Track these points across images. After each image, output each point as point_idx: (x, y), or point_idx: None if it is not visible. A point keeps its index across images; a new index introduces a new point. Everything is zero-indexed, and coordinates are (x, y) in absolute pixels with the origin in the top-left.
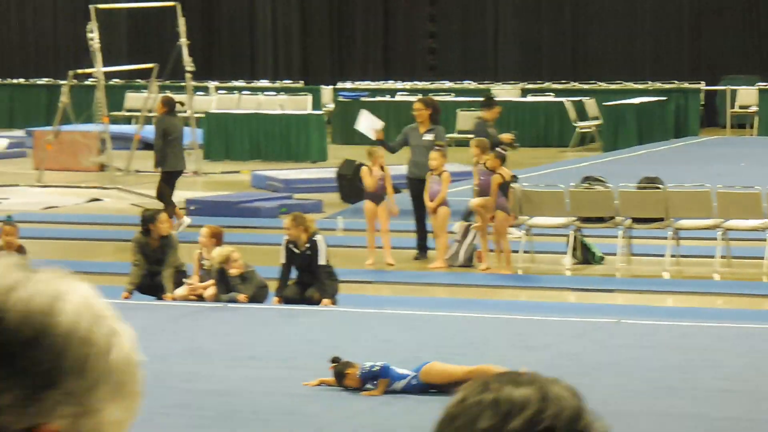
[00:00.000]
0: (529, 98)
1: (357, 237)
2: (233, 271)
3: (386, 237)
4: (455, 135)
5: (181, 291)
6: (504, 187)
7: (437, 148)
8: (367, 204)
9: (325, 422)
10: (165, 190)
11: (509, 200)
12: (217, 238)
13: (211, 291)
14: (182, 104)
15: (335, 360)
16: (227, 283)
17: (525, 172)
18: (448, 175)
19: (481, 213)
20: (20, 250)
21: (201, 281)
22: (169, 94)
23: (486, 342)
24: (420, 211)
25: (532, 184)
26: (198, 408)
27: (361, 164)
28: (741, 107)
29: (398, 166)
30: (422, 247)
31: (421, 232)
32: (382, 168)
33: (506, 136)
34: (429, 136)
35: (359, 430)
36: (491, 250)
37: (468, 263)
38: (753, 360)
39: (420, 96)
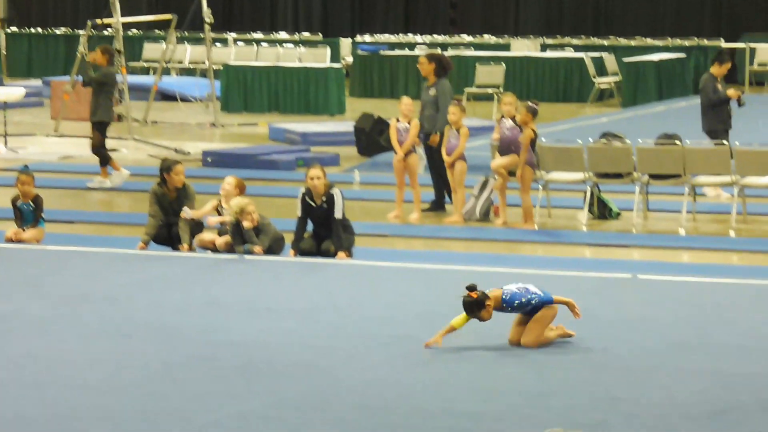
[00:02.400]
0: (549, 53)
1: (373, 191)
2: (247, 224)
3: (414, 191)
4: (474, 90)
5: (201, 242)
6: (532, 143)
7: (456, 102)
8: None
9: (342, 375)
10: (100, 142)
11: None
12: (241, 190)
13: (224, 239)
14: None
15: (471, 288)
16: (242, 235)
17: (544, 127)
18: (467, 130)
19: (502, 173)
20: (36, 199)
21: (218, 233)
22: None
23: None
24: (433, 165)
25: (550, 140)
26: (215, 359)
27: (379, 118)
28: (760, 65)
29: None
30: (436, 202)
31: (437, 185)
32: (410, 122)
33: (733, 92)
34: (432, 91)
35: (375, 382)
36: (513, 205)
37: (484, 218)
38: None
39: (433, 50)
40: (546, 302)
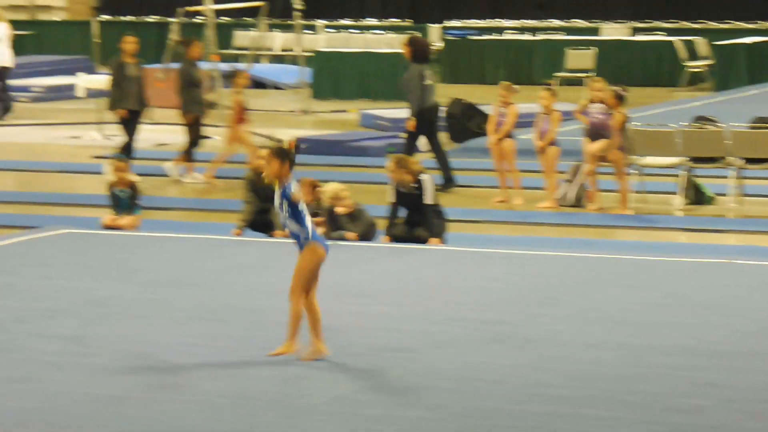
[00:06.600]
0: (639, 37)
1: (466, 176)
2: (341, 210)
3: (512, 176)
4: (564, 74)
5: None
6: (622, 127)
7: (547, 87)
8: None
9: (435, 359)
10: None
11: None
12: (312, 188)
13: (319, 229)
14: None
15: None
16: (336, 222)
17: (636, 111)
18: (559, 114)
19: (591, 157)
20: (132, 186)
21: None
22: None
23: (594, 281)
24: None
25: (643, 124)
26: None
27: (470, 103)
28: None
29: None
30: (447, 179)
31: (441, 163)
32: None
33: None
34: (406, 75)
35: (468, 367)
36: (606, 191)
37: (578, 203)
38: None
39: (524, 34)
40: (310, 237)
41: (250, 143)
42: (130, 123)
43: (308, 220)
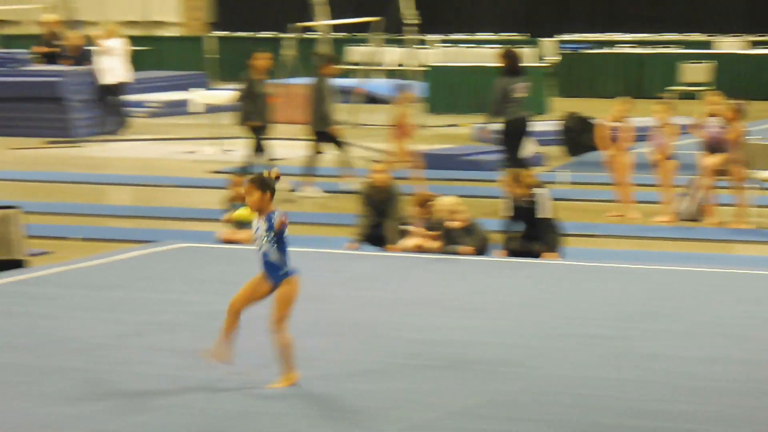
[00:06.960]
0: (756, 50)
1: (581, 190)
2: (456, 224)
3: (627, 190)
4: (680, 87)
5: (409, 242)
6: (739, 141)
7: (663, 101)
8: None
9: (552, 373)
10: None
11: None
12: (425, 202)
13: (436, 243)
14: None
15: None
16: (450, 235)
17: (753, 125)
18: (676, 127)
19: (709, 171)
20: None
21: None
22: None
23: (712, 296)
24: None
25: (761, 138)
26: (425, 357)
27: (586, 118)
28: None
29: None
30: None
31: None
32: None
33: None
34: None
35: (586, 381)
36: (724, 205)
37: (695, 217)
38: None
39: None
40: (289, 272)
41: (413, 159)
42: (257, 138)
43: (289, 252)
